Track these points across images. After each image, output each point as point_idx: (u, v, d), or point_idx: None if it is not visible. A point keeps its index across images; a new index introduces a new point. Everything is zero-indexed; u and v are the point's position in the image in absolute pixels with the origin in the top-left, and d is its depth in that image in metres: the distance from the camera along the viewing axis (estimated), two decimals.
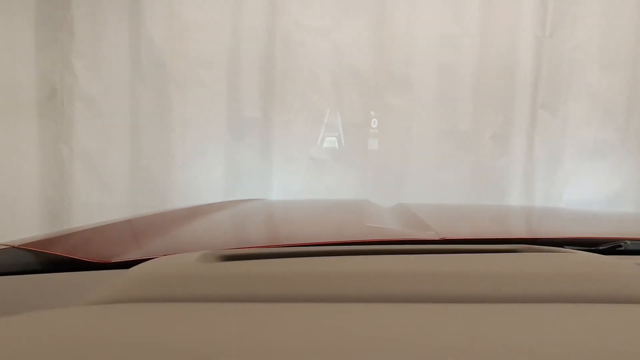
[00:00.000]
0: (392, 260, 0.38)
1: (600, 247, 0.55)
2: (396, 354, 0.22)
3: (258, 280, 0.32)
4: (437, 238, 0.62)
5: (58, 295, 0.44)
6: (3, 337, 0.24)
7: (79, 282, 0.47)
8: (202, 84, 2.13)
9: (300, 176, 2.19)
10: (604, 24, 2.13)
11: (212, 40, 2.12)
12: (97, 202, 2.09)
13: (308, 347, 0.22)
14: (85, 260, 0.51)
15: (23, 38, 2.04)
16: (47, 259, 0.56)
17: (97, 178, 2.11)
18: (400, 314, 0.27)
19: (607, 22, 2.12)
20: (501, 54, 2.14)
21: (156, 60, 2.10)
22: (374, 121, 2.17)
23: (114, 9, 2.09)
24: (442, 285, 0.31)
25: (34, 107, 2.08)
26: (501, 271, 0.33)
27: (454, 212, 1.04)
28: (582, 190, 2.16)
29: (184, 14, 2.10)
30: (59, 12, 2.06)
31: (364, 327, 0.25)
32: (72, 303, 0.31)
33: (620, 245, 0.55)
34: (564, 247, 0.54)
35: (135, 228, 0.81)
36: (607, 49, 2.13)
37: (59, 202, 2.10)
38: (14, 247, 0.57)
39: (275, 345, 0.23)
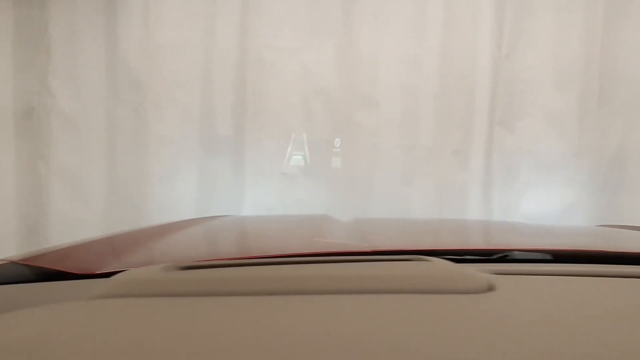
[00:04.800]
0: (300, 267, 0.48)
1: (493, 257, 0.65)
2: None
3: (202, 283, 0.42)
4: (368, 250, 0.71)
5: (51, 299, 0.52)
6: (9, 329, 0.33)
7: (67, 289, 0.55)
8: (177, 103, 2.20)
9: (272, 190, 2.26)
10: (556, 45, 2.24)
11: (186, 61, 2.19)
12: (74, 219, 2.13)
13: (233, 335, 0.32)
14: (72, 273, 0.59)
15: (1, 59, 2.09)
16: (40, 272, 0.64)
17: (75, 195, 2.15)
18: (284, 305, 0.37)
19: (559, 43, 2.24)
20: (461, 74, 2.24)
21: (132, 80, 2.16)
22: (337, 141, 2.26)
23: (90, 31, 2.15)
24: (318, 283, 0.41)
25: (11, 126, 2.12)
26: (364, 273, 0.42)
27: (399, 226, 1.14)
28: (537, 202, 2.26)
29: (159, 36, 2.17)
30: (36, 33, 2.11)
31: (267, 318, 0.34)
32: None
33: (507, 255, 0.65)
34: (464, 256, 0.64)
35: (115, 244, 0.90)
36: (559, 68, 2.24)
37: (37, 219, 2.13)
38: (12, 261, 0.66)
39: (217, 333, 0.32)
